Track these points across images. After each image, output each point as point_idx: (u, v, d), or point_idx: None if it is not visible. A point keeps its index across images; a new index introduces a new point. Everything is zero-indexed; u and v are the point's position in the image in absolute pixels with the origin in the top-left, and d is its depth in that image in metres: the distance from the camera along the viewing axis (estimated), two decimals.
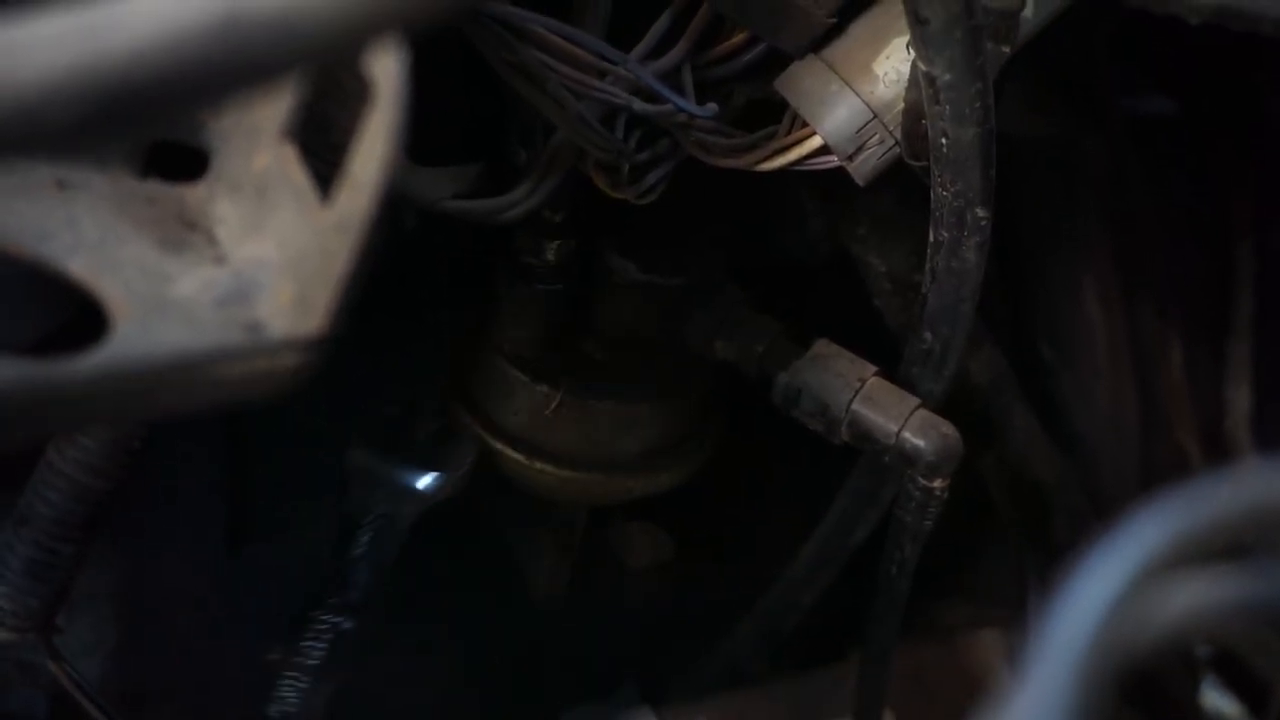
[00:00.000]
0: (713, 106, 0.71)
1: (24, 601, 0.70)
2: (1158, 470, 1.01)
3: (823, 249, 0.92)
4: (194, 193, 0.48)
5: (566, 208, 0.79)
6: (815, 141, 0.72)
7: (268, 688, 0.79)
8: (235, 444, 1.00)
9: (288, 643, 0.78)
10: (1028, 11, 0.67)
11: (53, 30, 0.27)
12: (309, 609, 0.80)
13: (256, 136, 0.46)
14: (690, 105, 0.69)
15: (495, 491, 0.96)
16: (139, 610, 0.93)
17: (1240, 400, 1.06)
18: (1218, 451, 1.04)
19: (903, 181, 0.74)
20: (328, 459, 1.05)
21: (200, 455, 0.99)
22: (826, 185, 0.86)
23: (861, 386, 0.76)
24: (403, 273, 0.81)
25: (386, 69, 0.41)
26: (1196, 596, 0.35)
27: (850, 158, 0.70)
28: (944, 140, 0.63)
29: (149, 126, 0.45)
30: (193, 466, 0.99)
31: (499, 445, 0.87)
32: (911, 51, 0.65)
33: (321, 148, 0.46)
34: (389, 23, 0.30)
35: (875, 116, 0.69)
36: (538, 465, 0.86)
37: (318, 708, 0.77)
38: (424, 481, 0.83)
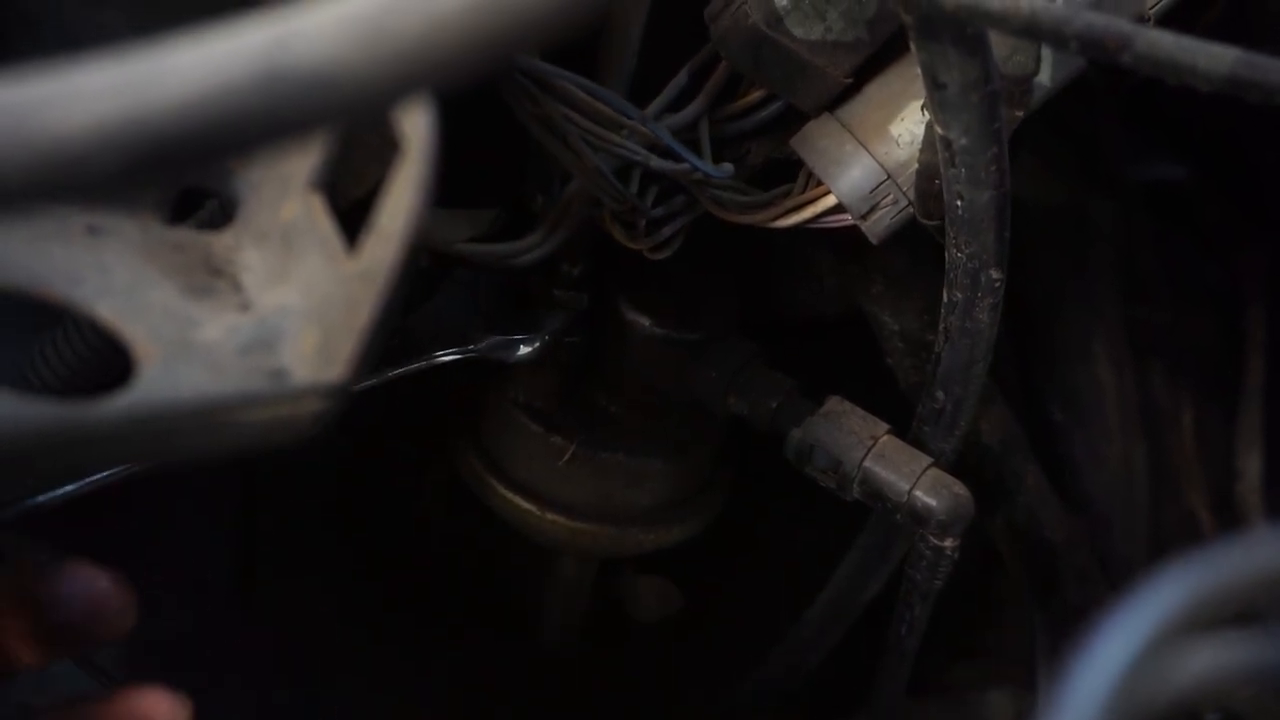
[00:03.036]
0: (728, 167, 0.71)
1: None
2: (1168, 534, 1.01)
3: (836, 306, 0.92)
4: (221, 240, 0.49)
5: (583, 261, 0.80)
6: (829, 200, 0.72)
7: None
8: (244, 488, 1.00)
9: None
10: (1042, 77, 0.67)
11: (99, 80, 0.28)
12: None
13: (285, 186, 0.47)
14: (706, 165, 0.70)
15: (505, 542, 0.96)
16: (144, 654, 0.93)
17: (1251, 466, 1.06)
18: (1229, 517, 1.04)
19: (916, 241, 0.75)
20: (336, 506, 1.05)
21: (208, 499, 1.00)
22: (840, 243, 0.87)
23: (874, 444, 0.76)
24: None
25: (417, 123, 0.42)
26: (1210, 662, 0.35)
27: (864, 217, 0.71)
28: (959, 202, 0.64)
29: (186, 175, 0.46)
30: (201, 510, 1.00)
31: (510, 495, 0.87)
32: (926, 114, 0.66)
33: (350, 199, 0.46)
34: (426, 80, 0.30)
35: (889, 177, 0.70)
36: (549, 516, 0.86)
37: None
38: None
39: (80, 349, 0.62)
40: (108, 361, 0.62)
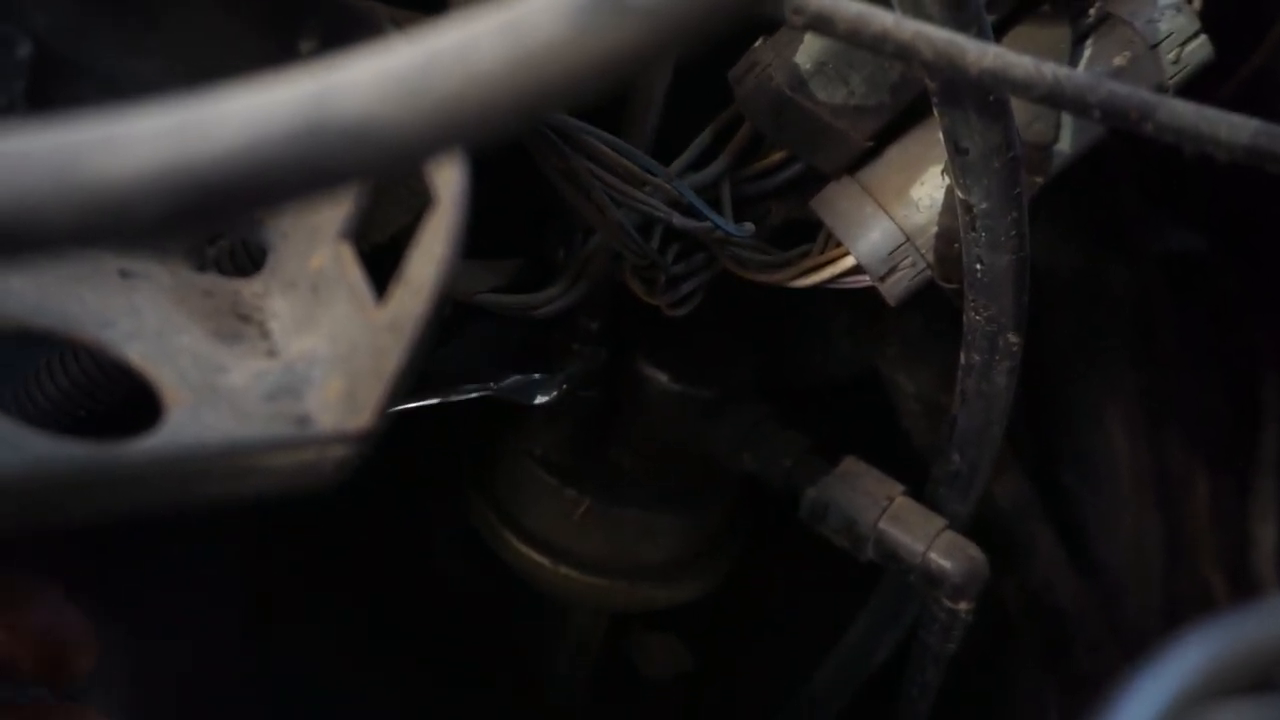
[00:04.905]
0: (749, 226, 0.72)
1: None
2: (1182, 602, 1.00)
3: (852, 366, 0.93)
4: (250, 287, 0.50)
5: (602, 316, 0.81)
6: (848, 261, 0.73)
7: None
8: (257, 533, 1.00)
9: None
10: (1062, 144, 0.68)
11: (149, 126, 0.29)
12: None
13: (315, 236, 0.48)
14: (727, 224, 0.71)
15: (515, 595, 0.96)
16: (153, 696, 0.93)
17: (1265, 536, 1.05)
18: (1242, 586, 1.03)
19: (932, 304, 0.75)
20: (350, 548, 1.05)
21: (220, 543, 1.00)
22: (857, 304, 0.87)
23: (889, 505, 0.76)
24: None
25: (448, 176, 0.43)
26: None
27: (882, 278, 0.72)
28: (979, 266, 0.64)
29: (226, 223, 0.46)
30: (212, 555, 1.00)
31: (522, 548, 0.87)
32: (946, 178, 0.67)
33: (371, 243, 0.47)
34: (465, 135, 0.31)
35: (908, 239, 0.71)
36: (561, 570, 0.86)
37: None
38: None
39: (76, 376, 0.63)
40: (100, 388, 0.62)
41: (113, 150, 0.28)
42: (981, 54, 0.48)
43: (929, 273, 0.71)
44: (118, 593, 0.84)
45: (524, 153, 0.69)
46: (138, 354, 0.44)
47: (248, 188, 0.29)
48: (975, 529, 0.78)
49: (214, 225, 0.48)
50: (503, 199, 0.79)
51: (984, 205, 0.61)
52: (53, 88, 0.48)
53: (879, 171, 0.71)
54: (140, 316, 0.46)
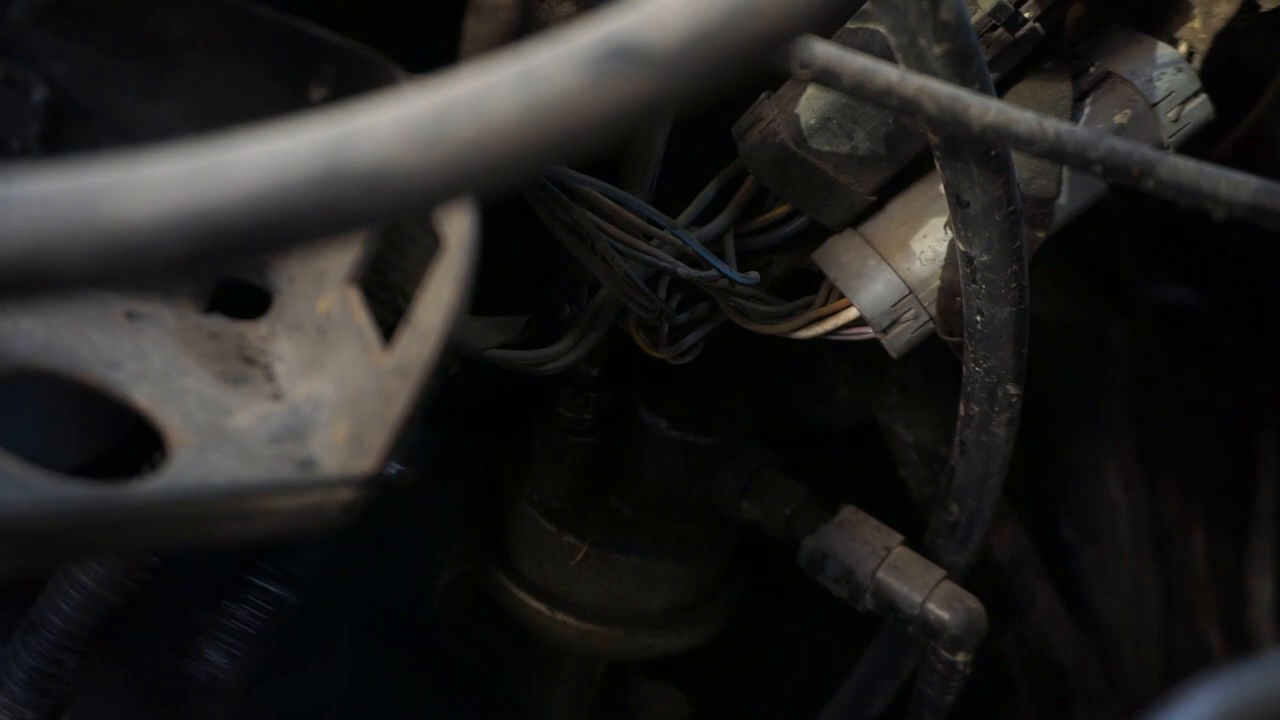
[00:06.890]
0: (755, 275, 0.72)
1: (21, 714, 0.69)
2: (1178, 656, 1.00)
3: (851, 415, 0.93)
4: (255, 330, 0.50)
5: (604, 363, 0.81)
6: (851, 313, 0.73)
7: None
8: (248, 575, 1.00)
9: (215, 604, 0.74)
10: (1062, 199, 0.69)
11: (167, 170, 0.29)
12: (244, 572, 0.75)
13: (323, 280, 0.48)
14: (734, 273, 0.71)
15: (512, 642, 0.96)
16: None
17: (1262, 591, 1.05)
18: (1239, 641, 1.03)
19: (931, 354, 0.76)
20: (346, 593, 1.05)
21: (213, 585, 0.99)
22: (856, 354, 0.88)
23: (887, 555, 0.76)
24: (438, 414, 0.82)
25: (456, 225, 0.43)
26: None
27: (885, 331, 0.72)
28: (979, 318, 0.65)
29: (241, 265, 0.47)
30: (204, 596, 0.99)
31: (521, 594, 0.87)
32: (948, 232, 0.67)
33: (387, 295, 0.47)
34: (476, 182, 0.31)
35: (911, 292, 0.71)
36: (559, 617, 0.86)
37: (244, 675, 0.73)
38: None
39: None
40: None
41: (133, 193, 0.29)
42: (984, 109, 0.49)
43: (931, 325, 0.71)
44: (111, 641, 0.84)
45: (528, 209, 0.69)
46: (144, 396, 0.45)
47: (265, 231, 0.29)
48: (973, 580, 0.78)
49: (231, 267, 0.48)
50: (509, 256, 0.79)
51: (985, 258, 0.61)
52: (68, 132, 0.49)
53: (881, 225, 0.72)
54: (146, 358, 0.46)
